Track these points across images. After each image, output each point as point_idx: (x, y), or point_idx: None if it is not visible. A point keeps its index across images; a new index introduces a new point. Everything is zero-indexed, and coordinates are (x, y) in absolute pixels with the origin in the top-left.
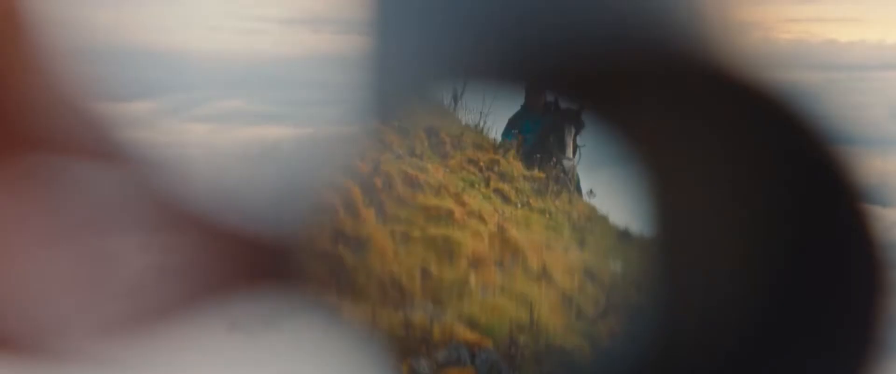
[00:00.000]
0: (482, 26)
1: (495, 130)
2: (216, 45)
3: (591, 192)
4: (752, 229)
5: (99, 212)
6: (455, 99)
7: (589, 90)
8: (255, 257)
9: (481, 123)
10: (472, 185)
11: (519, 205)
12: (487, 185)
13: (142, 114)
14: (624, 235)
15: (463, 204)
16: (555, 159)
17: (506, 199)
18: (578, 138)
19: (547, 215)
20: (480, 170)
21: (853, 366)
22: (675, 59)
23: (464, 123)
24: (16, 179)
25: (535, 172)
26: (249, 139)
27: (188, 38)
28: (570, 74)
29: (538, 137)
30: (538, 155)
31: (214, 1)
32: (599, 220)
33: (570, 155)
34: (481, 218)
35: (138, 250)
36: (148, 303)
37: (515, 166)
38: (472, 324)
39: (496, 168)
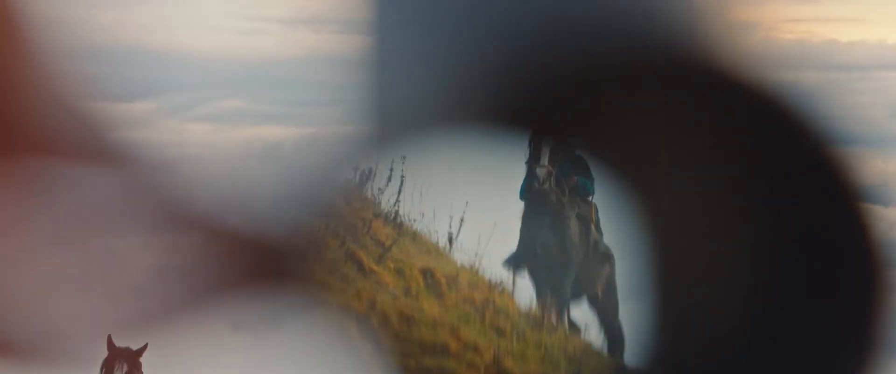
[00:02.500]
0: (480, 27)
1: (490, 271)
2: (216, 45)
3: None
4: (752, 228)
5: (101, 213)
6: (450, 240)
7: (586, 89)
8: (258, 258)
9: (476, 264)
10: (467, 320)
11: (515, 339)
12: (483, 320)
13: (142, 114)
14: (620, 369)
15: (458, 337)
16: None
17: (501, 333)
18: (558, 149)
19: (543, 349)
20: (476, 308)
21: (853, 366)
22: (676, 60)
23: (459, 264)
24: (17, 182)
25: (532, 309)
26: (250, 139)
27: (188, 38)
28: (567, 72)
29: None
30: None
31: (214, 1)
32: (594, 354)
33: (545, 162)
34: (477, 350)
35: (141, 250)
36: (151, 303)
37: (510, 304)
38: None
39: (491, 306)
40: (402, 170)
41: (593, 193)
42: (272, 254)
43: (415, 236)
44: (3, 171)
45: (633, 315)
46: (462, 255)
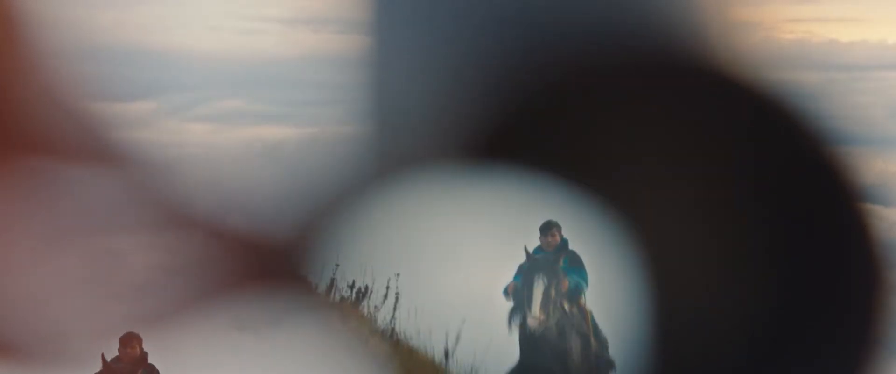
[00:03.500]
0: (479, 28)
1: None
2: (216, 45)
3: None
4: (752, 228)
5: (102, 213)
6: (447, 354)
7: (584, 89)
8: (260, 257)
9: None
10: None
11: None
12: None
13: (142, 114)
14: None
15: None
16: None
17: None
18: (556, 291)
19: None
20: None
21: (853, 366)
22: (677, 59)
23: None
24: (18, 182)
25: None
26: (250, 139)
27: (188, 39)
28: (566, 72)
29: (518, 291)
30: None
31: (214, 1)
32: None
33: (538, 313)
34: None
35: (142, 250)
36: (153, 303)
37: None
38: None
39: None
40: (397, 287)
41: (586, 289)
42: (273, 254)
43: (411, 353)
44: (4, 171)
45: (633, 316)
46: (458, 369)
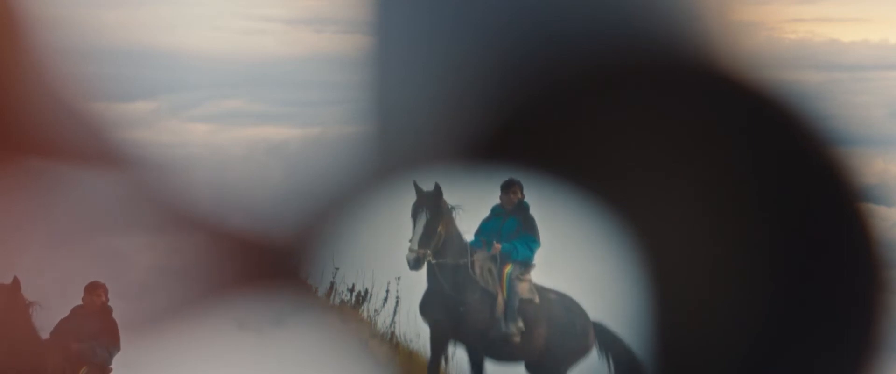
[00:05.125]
0: (480, 28)
1: None
2: (218, 45)
3: None
4: (752, 228)
5: (104, 214)
6: (447, 359)
7: (584, 90)
8: (261, 257)
9: None
10: None
11: None
12: None
13: (143, 114)
14: None
15: None
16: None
17: None
18: (441, 227)
19: None
20: None
21: (853, 366)
22: (678, 60)
23: None
24: (20, 183)
25: None
26: (251, 139)
27: (189, 38)
28: (566, 73)
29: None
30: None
31: (216, 1)
32: None
33: (415, 246)
34: None
35: (144, 250)
36: (154, 303)
37: None
38: None
39: None
40: (397, 291)
41: (527, 256)
42: (274, 255)
43: (411, 356)
44: (6, 172)
45: (634, 316)
46: (458, 372)
